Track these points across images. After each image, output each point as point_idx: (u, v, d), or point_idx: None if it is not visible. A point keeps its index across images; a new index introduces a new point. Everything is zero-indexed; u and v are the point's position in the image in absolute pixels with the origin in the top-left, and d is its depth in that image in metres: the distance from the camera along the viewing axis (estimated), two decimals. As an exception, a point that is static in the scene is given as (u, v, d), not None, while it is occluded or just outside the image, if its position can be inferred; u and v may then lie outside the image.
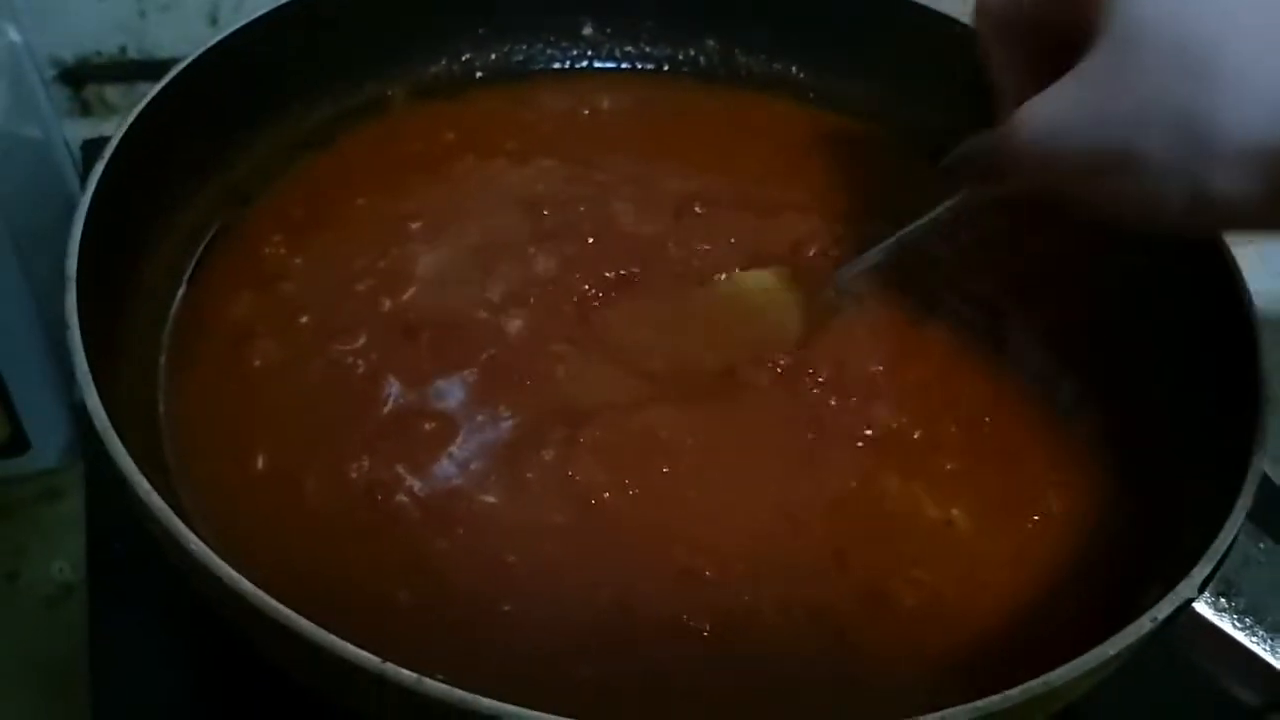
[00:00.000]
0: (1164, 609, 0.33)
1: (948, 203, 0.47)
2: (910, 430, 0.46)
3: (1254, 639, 0.35)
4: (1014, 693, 0.30)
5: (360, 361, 0.45)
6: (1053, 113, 0.37)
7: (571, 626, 0.38)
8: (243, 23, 0.51)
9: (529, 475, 0.42)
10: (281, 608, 0.29)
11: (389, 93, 0.59)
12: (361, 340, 0.46)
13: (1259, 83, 0.33)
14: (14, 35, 0.53)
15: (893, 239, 0.49)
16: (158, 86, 0.46)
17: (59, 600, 0.52)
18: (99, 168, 0.42)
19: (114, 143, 0.43)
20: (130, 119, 0.44)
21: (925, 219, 0.48)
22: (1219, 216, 0.37)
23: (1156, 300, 0.50)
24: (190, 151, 0.49)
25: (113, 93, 0.69)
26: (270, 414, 0.43)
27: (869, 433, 0.45)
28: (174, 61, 0.66)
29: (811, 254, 0.52)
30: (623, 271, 0.50)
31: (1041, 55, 0.41)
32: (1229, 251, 0.45)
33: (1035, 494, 0.45)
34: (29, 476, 0.56)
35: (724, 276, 0.51)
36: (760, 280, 0.51)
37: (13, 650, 0.49)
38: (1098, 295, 0.52)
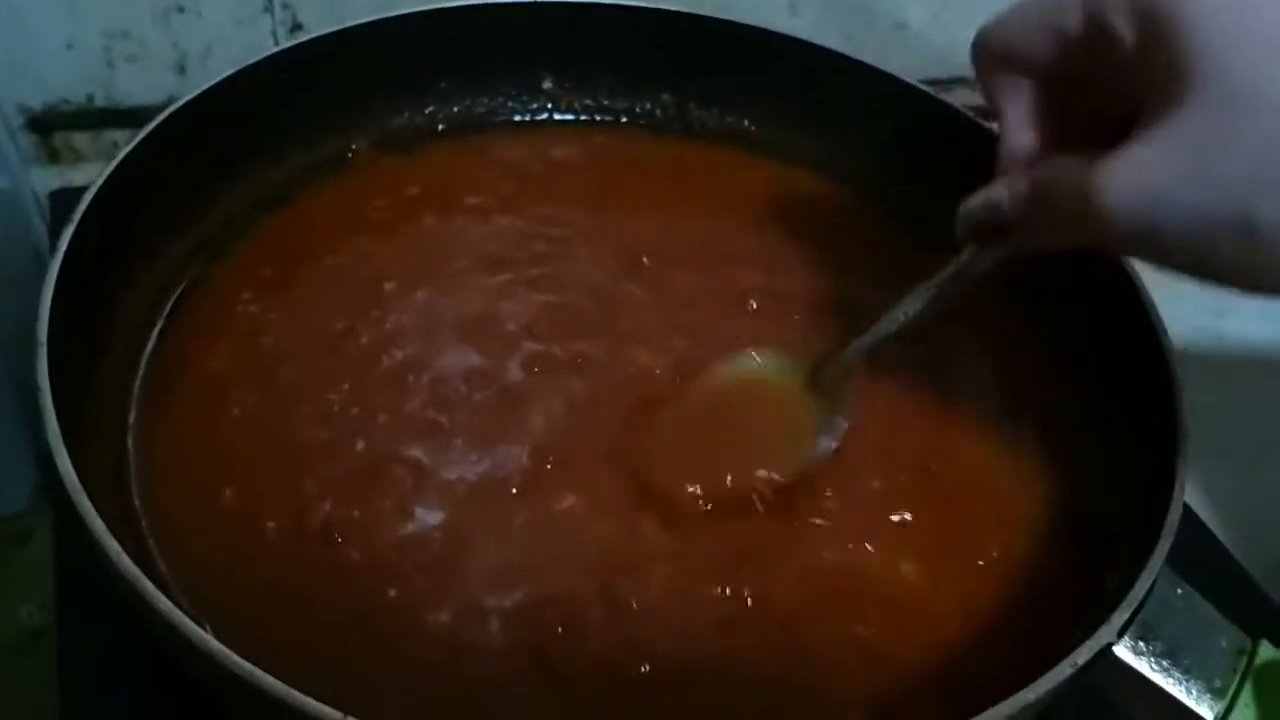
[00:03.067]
0: (1084, 654, 0.35)
1: (950, 270, 0.44)
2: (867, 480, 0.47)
3: (1171, 681, 0.37)
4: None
5: (340, 411, 0.46)
6: (1148, 179, 0.34)
7: (526, 676, 0.40)
8: (214, 80, 0.52)
9: (496, 527, 0.43)
10: (255, 670, 0.31)
11: (353, 146, 0.61)
12: (344, 392, 0.47)
13: None
14: (-15, 91, 0.55)
15: (900, 314, 0.45)
16: (127, 147, 0.47)
17: (28, 645, 0.52)
18: (69, 229, 0.43)
19: (84, 203, 0.44)
20: (99, 181, 0.45)
21: (934, 288, 0.44)
22: None
23: (1079, 348, 0.52)
24: (159, 209, 0.50)
25: (80, 139, 0.70)
26: (241, 459, 0.45)
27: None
28: (141, 110, 0.68)
29: (755, 306, 0.54)
30: (578, 343, 0.51)
31: (1059, 104, 0.40)
32: (1151, 304, 0.48)
33: (978, 539, 0.46)
34: (-3, 521, 0.56)
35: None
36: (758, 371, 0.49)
37: (-19, 696, 0.50)
38: (1028, 345, 0.54)
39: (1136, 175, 0.34)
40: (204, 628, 0.32)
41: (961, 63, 0.82)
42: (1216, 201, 0.33)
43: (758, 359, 0.49)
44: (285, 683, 0.30)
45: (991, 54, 0.41)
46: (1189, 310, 0.78)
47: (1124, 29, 0.35)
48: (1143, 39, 0.35)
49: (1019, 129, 0.41)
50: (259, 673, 0.31)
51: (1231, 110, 0.32)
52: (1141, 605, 0.37)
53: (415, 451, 0.46)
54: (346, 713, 0.30)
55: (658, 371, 0.50)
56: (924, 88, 0.61)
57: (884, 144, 0.62)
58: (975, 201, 0.42)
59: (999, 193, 0.41)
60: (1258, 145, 0.32)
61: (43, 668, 0.50)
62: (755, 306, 0.54)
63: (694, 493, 0.45)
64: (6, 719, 0.49)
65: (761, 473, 0.46)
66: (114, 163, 0.46)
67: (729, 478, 0.46)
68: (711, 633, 0.42)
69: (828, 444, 0.46)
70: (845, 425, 0.47)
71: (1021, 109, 0.41)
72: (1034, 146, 0.41)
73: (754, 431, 0.48)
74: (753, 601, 0.43)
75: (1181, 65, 0.33)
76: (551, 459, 0.46)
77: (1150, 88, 0.34)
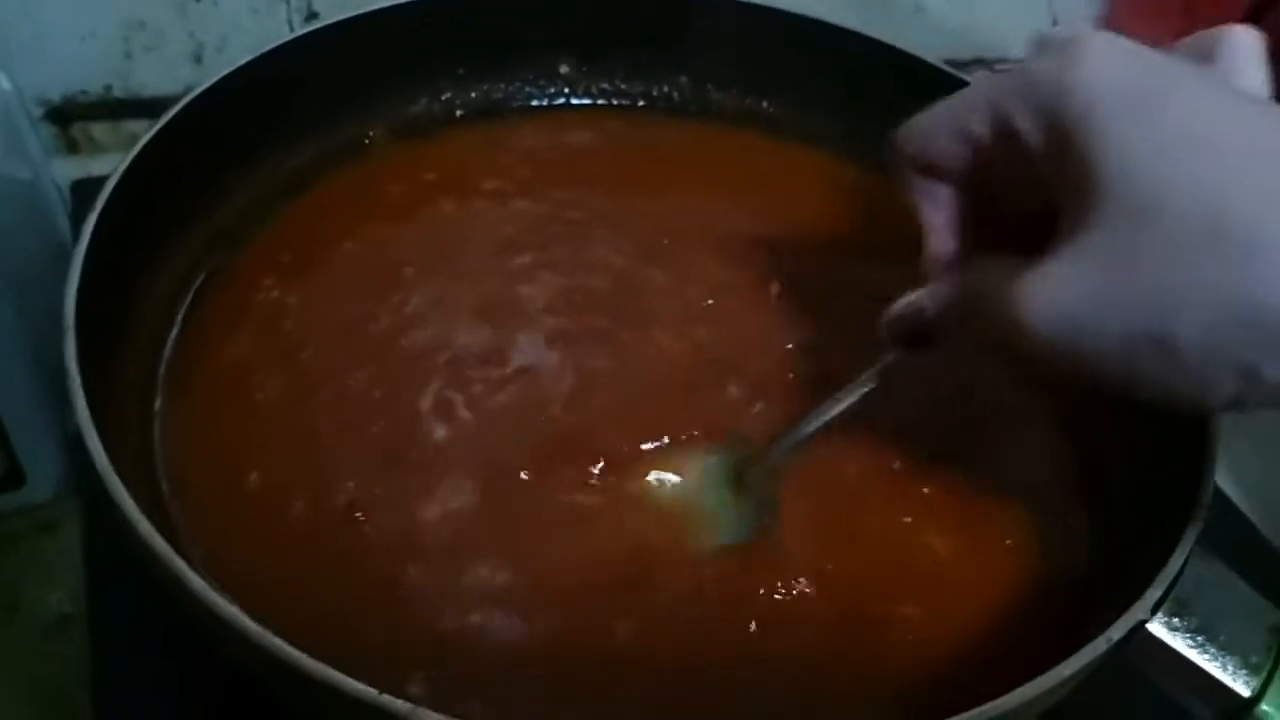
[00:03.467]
0: (1119, 630, 0.35)
1: (878, 367, 0.42)
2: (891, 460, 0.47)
3: (1206, 656, 0.37)
4: (976, 712, 0.32)
5: (363, 394, 0.46)
6: (1066, 299, 0.32)
7: (550, 655, 0.40)
8: (231, 68, 0.52)
9: (515, 508, 0.43)
10: (285, 646, 0.31)
11: (370, 133, 0.60)
12: (365, 375, 0.47)
13: None
14: (4, 83, 0.55)
15: (824, 413, 0.44)
16: (149, 134, 0.47)
17: (57, 631, 0.53)
18: (91, 218, 0.43)
19: (107, 190, 0.44)
20: (120, 169, 0.45)
21: (859, 387, 0.43)
22: (1277, 396, 0.31)
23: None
24: (180, 196, 0.50)
25: (99, 130, 0.70)
26: (266, 443, 0.45)
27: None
28: (159, 100, 0.69)
29: (776, 290, 0.54)
30: (597, 325, 0.51)
31: (983, 206, 0.38)
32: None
33: (1007, 519, 0.46)
34: (24, 510, 0.57)
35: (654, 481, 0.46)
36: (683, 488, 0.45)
37: (13, 681, 0.50)
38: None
39: (1053, 294, 0.32)
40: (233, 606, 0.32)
41: (980, 43, 0.83)
42: (1133, 320, 0.31)
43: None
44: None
45: (908, 159, 0.39)
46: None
47: (1032, 134, 0.34)
48: (1051, 146, 0.33)
49: (941, 234, 0.39)
50: (292, 650, 0.31)
51: (1140, 223, 0.31)
52: (1175, 581, 0.37)
53: (436, 431, 0.46)
54: (381, 691, 0.30)
55: (676, 357, 0.50)
56: (946, 67, 0.61)
57: (900, 122, 0.62)
58: (899, 308, 0.40)
59: (923, 300, 0.39)
60: (1168, 257, 0.30)
61: (72, 653, 0.50)
62: (777, 290, 0.54)
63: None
64: (40, 702, 0.49)
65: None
66: (134, 151, 0.46)
67: None
68: (745, 618, 0.41)
69: (744, 533, 0.44)
70: (765, 520, 0.44)
71: (943, 214, 0.39)
72: (957, 251, 0.39)
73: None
74: (790, 584, 0.42)
75: (1089, 175, 0.32)
76: (573, 441, 0.46)
77: (1064, 195, 0.33)
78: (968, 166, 0.37)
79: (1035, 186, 0.34)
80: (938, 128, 0.37)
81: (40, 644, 0.52)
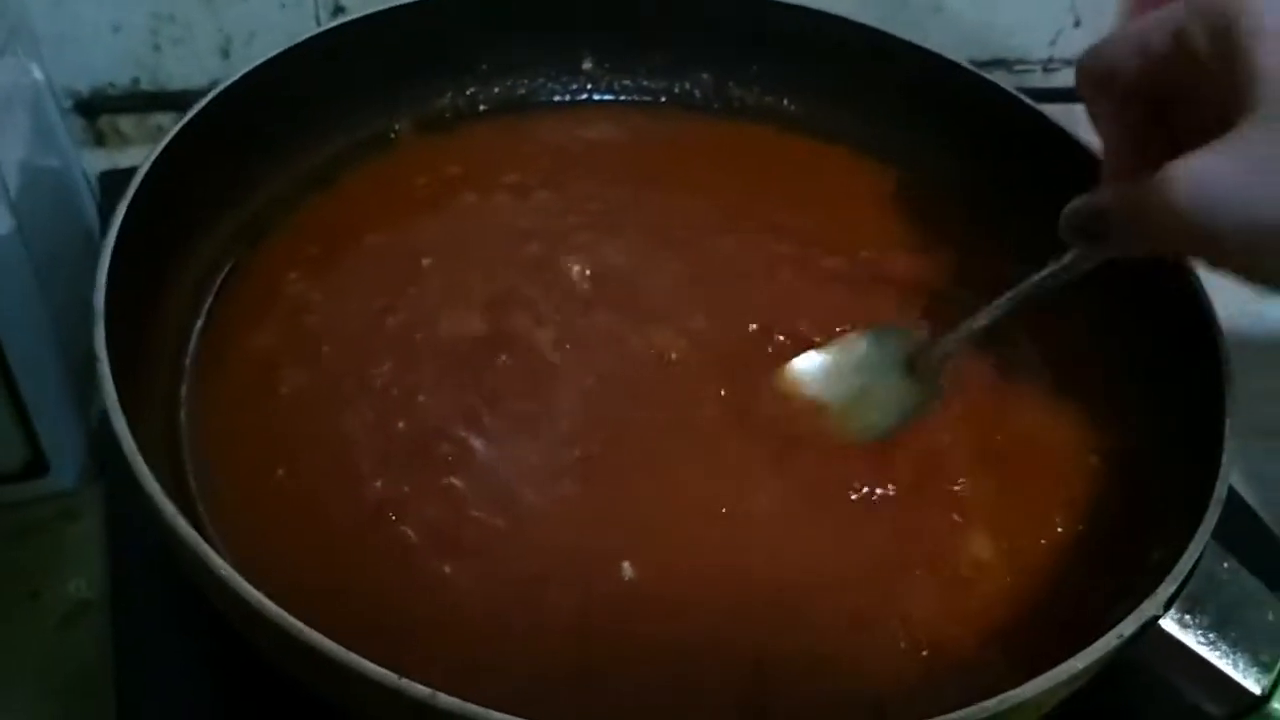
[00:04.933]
0: (1130, 626, 0.35)
1: (1054, 266, 0.46)
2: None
3: (1217, 654, 0.37)
4: (989, 703, 0.32)
5: (385, 389, 0.47)
6: (1211, 179, 0.36)
7: (578, 647, 0.40)
8: (258, 61, 0.53)
9: (543, 503, 0.44)
10: (306, 629, 0.31)
11: (396, 126, 0.61)
12: (387, 369, 0.48)
13: None
14: (37, 74, 0.56)
15: (1002, 302, 0.48)
16: (177, 126, 0.48)
17: (77, 617, 0.53)
18: (122, 206, 0.44)
19: (136, 180, 0.45)
20: (151, 157, 0.46)
21: (1037, 280, 0.47)
22: None
23: (1128, 326, 0.52)
24: (207, 188, 0.51)
25: (126, 123, 0.71)
26: (292, 437, 0.45)
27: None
28: (186, 94, 0.69)
29: (787, 277, 0.54)
30: (613, 320, 0.52)
31: (1155, 121, 0.43)
32: (1199, 283, 0.48)
33: (1032, 512, 0.47)
34: (47, 498, 0.57)
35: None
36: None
37: (35, 666, 0.51)
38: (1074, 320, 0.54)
39: (1198, 177, 0.36)
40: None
41: (999, 43, 0.82)
42: (1267, 212, 0.35)
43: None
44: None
45: (1089, 77, 0.44)
46: (1229, 291, 0.78)
47: (1202, 44, 0.38)
48: (1217, 55, 0.38)
49: (1115, 144, 0.45)
50: (318, 636, 0.31)
51: None
52: (1188, 578, 0.37)
53: (458, 429, 0.46)
54: (401, 675, 0.30)
55: (690, 363, 0.50)
56: (967, 65, 0.61)
57: (925, 121, 0.62)
58: (1077, 203, 0.44)
59: (1097, 199, 0.44)
60: None
61: (93, 640, 0.51)
62: (789, 278, 0.55)
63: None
64: (60, 687, 0.50)
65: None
66: (163, 143, 0.47)
67: None
68: (776, 612, 0.42)
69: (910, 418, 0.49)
70: (937, 406, 0.49)
71: (1119, 126, 0.44)
72: (1132, 160, 0.44)
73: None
74: (809, 571, 0.43)
75: (1247, 82, 0.36)
76: (593, 435, 0.47)
77: (1225, 99, 0.37)
78: (1144, 81, 0.42)
79: (1201, 98, 0.39)
80: (1121, 42, 0.42)
81: (61, 630, 0.52)
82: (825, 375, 0.50)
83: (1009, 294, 0.47)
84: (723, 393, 0.49)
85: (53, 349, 0.55)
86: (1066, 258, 0.46)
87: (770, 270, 0.55)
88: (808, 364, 0.50)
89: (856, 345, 0.51)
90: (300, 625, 0.31)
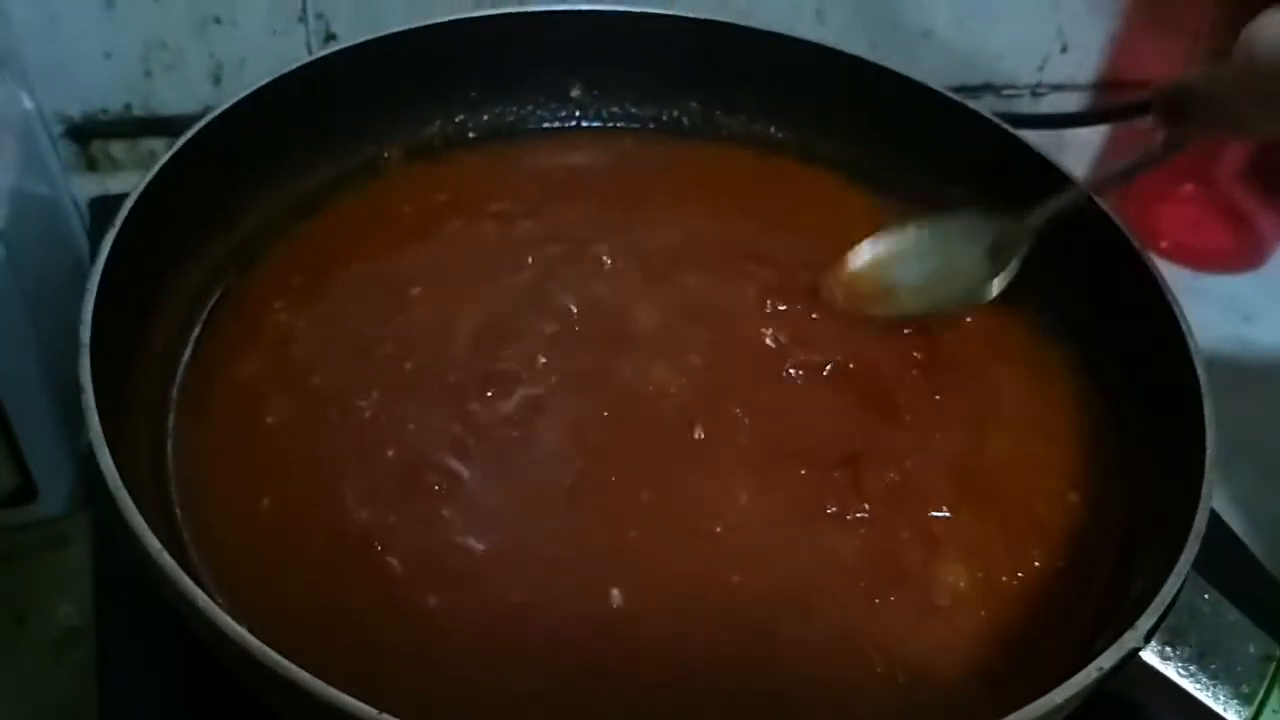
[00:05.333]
0: (1110, 658, 0.36)
1: (1143, 151, 0.49)
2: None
3: (1198, 686, 0.37)
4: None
5: (373, 419, 0.47)
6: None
7: (564, 676, 0.40)
8: (250, 89, 0.53)
9: (530, 532, 0.44)
10: (287, 663, 0.31)
11: (385, 154, 0.61)
12: (374, 399, 0.48)
13: None
14: (27, 103, 0.56)
15: (1089, 183, 0.51)
16: (167, 154, 0.48)
17: (66, 644, 0.53)
18: (110, 235, 0.44)
19: (124, 210, 0.45)
20: (140, 186, 0.46)
21: (1125, 162, 0.50)
22: None
23: (1106, 355, 0.52)
24: (195, 216, 0.51)
25: (118, 148, 0.71)
26: (278, 467, 0.45)
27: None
28: (178, 119, 0.70)
29: (769, 310, 0.54)
30: (600, 351, 0.52)
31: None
32: (1179, 308, 0.48)
33: (1008, 544, 0.46)
34: (36, 524, 0.57)
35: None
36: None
37: (22, 693, 0.51)
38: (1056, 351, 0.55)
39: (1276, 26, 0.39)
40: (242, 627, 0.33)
41: (990, 68, 0.83)
42: None
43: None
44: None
45: None
46: (1215, 317, 0.79)
47: None
48: None
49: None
50: (299, 671, 0.31)
51: None
52: (1169, 610, 0.37)
53: (446, 459, 0.46)
54: (381, 710, 0.31)
55: (672, 390, 0.50)
56: (950, 94, 0.62)
57: (910, 147, 0.63)
58: (1167, 84, 0.47)
59: (1186, 77, 0.46)
60: None
61: (80, 666, 0.51)
62: (778, 308, 0.55)
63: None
64: (51, 712, 0.50)
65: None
66: (153, 171, 0.47)
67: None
68: (756, 638, 0.42)
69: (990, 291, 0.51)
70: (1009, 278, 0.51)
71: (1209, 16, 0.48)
72: (1217, 44, 0.47)
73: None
74: (788, 593, 0.43)
75: None
76: (579, 464, 0.47)
77: None
78: None
79: None
80: None
81: (49, 656, 0.52)
82: (894, 258, 0.53)
83: (1096, 175, 0.51)
84: (705, 422, 0.49)
85: (41, 376, 0.55)
86: (1158, 138, 0.48)
87: (757, 296, 0.55)
88: (877, 246, 0.53)
89: (930, 227, 0.54)
90: (284, 661, 0.32)
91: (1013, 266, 0.51)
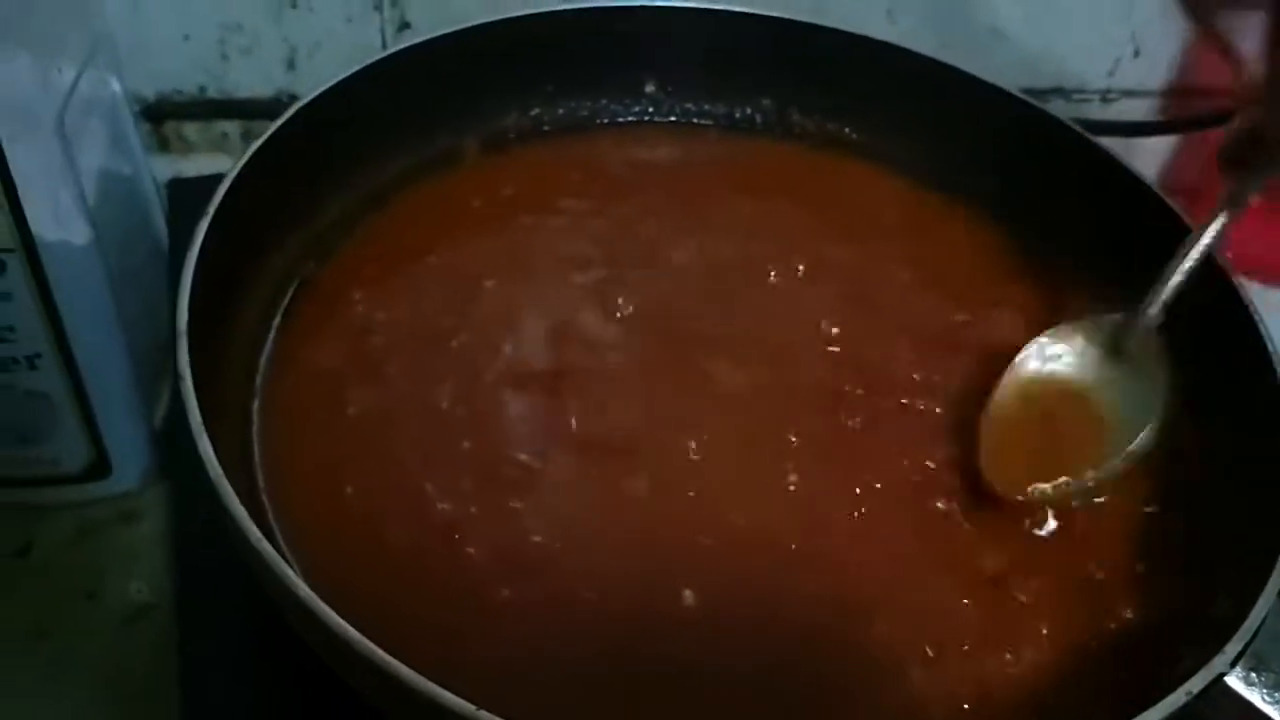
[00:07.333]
0: (1198, 683, 0.35)
1: (1221, 205, 0.47)
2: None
3: (1283, 712, 0.37)
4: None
5: (450, 410, 0.48)
6: None
7: (639, 676, 0.41)
8: (334, 80, 0.53)
9: (607, 528, 0.45)
10: (390, 659, 0.32)
11: (460, 147, 0.62)
12: (451, 391, 0.48)
13: None
14: (115, 86, 0.56)
15: (1188, 257, 0.48)
16: (257, 143, 0.49)
17: (137, 620, 0.54)
18: (203, 223, 0.44)
19: (217, 197, 0.45)
20: (232, 174, 0.47)
21: (1209, 227, 0.47)
22: None
23: (1199, 382, 0.52)
24: (279, 206, 0.52)
25: (191, 129, 0.72)
26: (360, 457, 0.46)
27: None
28: (251, 102, 0.70)
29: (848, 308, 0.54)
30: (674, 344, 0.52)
31: None
32: (1269, 336, 0.48)
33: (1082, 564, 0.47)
34: (109, 499, 0.58)
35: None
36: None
37: (93, 668, 0.51)
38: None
39: None
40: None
41: (1059, 70, 0.82)
42: None
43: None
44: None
45: None
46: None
47: None
48: None
49: (1252, 61, 0.44)
50: (399, 664, 0.32)
51: None
52: (1255, 636, 0.37)
53: (521, 453, 0.47)
54: (479, 707, 0.31)
55: (738, 387, 0.51)
56: (1024, 96, 0.61)
57: (985, 152, 0.62)
58: (1228, 135, 0.45)
59: (1244, 122, 0.44)
60: None
61: (151, 641, 0.52)
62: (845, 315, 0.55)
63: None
64: (119, 689, 0.51)
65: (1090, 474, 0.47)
66: (245, 156, 0.48)
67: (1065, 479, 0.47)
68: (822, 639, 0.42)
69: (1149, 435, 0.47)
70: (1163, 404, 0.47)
71: (1252, 42, 0.43)
72: (1268, 74, 0.43)
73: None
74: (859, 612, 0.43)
75: None
76: (658, 461, 0.47)
77: None
78: None
79: None
80: None
81: (120, 632, 0.53)
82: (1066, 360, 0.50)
83: (1194, 250, 0.47)
84: (792, 429, 0.49)
85: (121, 353, 0.55)
86: (1230, 189, 0.46)
87: (834, 302, 0.55)
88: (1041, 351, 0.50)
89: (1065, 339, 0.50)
90: (384, 655, 0.32)
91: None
